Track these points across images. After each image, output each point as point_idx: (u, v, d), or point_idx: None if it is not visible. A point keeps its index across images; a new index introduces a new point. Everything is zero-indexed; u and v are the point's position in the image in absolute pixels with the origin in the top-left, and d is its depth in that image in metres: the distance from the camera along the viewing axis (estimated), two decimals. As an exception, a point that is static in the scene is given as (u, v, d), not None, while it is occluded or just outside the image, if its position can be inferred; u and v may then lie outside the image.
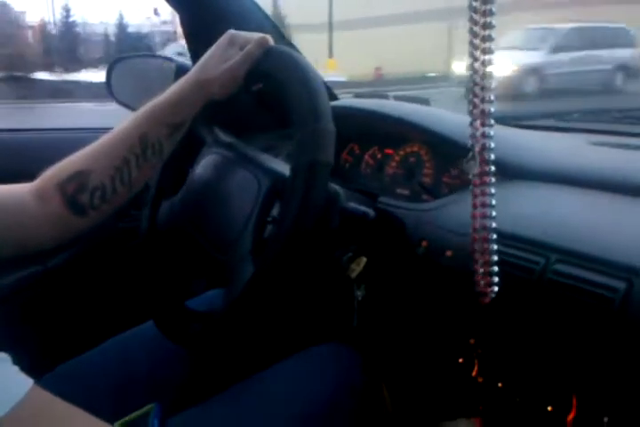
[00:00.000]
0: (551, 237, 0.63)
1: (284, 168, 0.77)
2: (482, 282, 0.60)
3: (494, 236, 0.59)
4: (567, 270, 0.59)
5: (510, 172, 0.77)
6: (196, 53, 1.13)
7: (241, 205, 0.76)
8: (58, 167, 0.73)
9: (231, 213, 0.78)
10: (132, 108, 1.11)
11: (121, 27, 36.77)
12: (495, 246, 0.59)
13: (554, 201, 0.72)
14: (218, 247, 0.78)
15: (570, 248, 0.60)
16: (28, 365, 0.45)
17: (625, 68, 10.49)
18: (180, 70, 1.08)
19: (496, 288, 0.61)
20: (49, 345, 1.04)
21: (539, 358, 0.65)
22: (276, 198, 0.75)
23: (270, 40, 0.74)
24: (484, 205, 0.58)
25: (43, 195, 0.71)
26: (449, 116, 0.98)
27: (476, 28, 0.54)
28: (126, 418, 0.69)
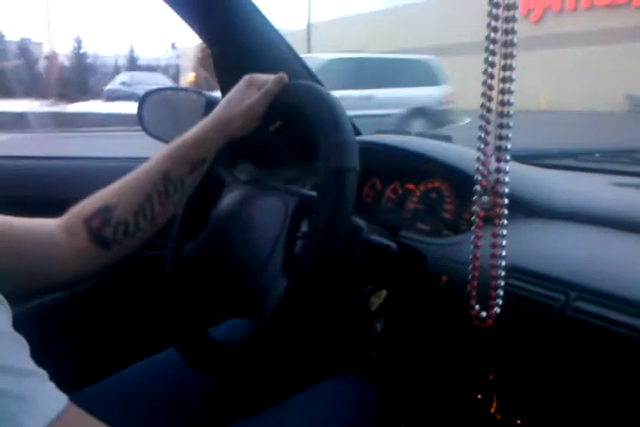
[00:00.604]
0: (571, 275, 0.63)
1: (309, 192, 0.79)
2: (477, 306, 0.63)
3: (503, 263, 0.61)
4: (587, 308, 0.59)
5: (531, 210, 0.79)
6: (225, 87, 1.16)
7: (269, 228, 0.78)
8: (85, 203, 0.76)
9: (259, 236, 0.79)
10: (163, 140, 1.15)
11: (132, 59, 37.68)
12: (503, 273, 0.61)
13: (575, 239, 0.73)
14: (246, 273, 0.79)
15: (589, 286, 0.61)
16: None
17: (424, 114, 7.76)
18: (210, 103, 1.11)
19: (498, 310, 0.62)
20: (72, 369, 1.05)
21: (557, 395, 0.64)
22: (305, 215, 0.76)
23: (286, 77, 0.78)
24: (494, 235, 0.61)
25: (70, 229, 0.74)
26: (470, 153, 0.99)
27: (493, 70, 0.57)
28: None
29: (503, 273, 0.61)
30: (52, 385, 0.44)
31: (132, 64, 36.88)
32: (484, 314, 0.63)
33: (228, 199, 0.90)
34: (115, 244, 0.75)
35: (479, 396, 0.74)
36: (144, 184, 0.76)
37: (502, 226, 0.60)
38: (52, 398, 0.43)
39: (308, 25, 17.24)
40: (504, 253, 0.61)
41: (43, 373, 0.44)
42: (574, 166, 1.09)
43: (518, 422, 0.70)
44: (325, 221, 0.63)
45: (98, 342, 1.19)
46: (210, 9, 1.09)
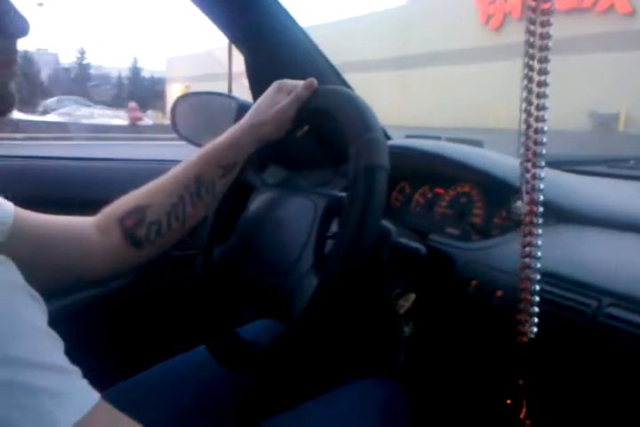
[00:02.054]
0: (604, 281, 0.63)
1: (339, 194, 0.79)
2: (525, 322, 0.61)
3: (538, 276, 0.60)
4: (619, 314, 0.59)
5: (564, 215, 0.78)
6: (256, 94, 1.18)
7: (298, 228, 0.78)
8: (119, 202, 0.79)
9: (289, 237, 0.80)
10: (196, 144, 1.17)
11: (135, 71, 38.03)
12: (537, 287, 0.60)
13: (607, 245, 0.72)
14: (276, 273, 0.80)
15: (622, 292, 0.60)
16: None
17: None
18: (242, 108, 1.12)
19: (535, 329, 0.61)
20: (104, 366, 1.06)
21: (589, 401, 0.64)
22: (334, 215, 0.76)
23: (315, 82, 0.79)
24: (529, 244, 0.60)
25: (104, 228, 0.76)
26: (501, 158, 0.99)
27: (532, 74, 0.57)
28: None
29: (538, 287, 0.60)
30: (84, 382, 0.44)
31: (135, 75, 37.14)
32: (534, 330, 0.61)
33: (258, 202, 0.91)
34: (147, 243, 0.77)
35: (508, 401, 0.73)
36: (177, 186, 0.78)
37: (537, 235, 0.59)
38: (85, 395, 0.43)
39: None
40: (539, 265, 0.60)
41: (76, 369, 0.45)
42: (607, 173, 1.08)
43: (548, 428, 0.69)
44: (356, 218, 0.62)
45: (129, 340, 1.21)
46: (243, 15, 1.11)
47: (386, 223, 0.76)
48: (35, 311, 0.45)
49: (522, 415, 0.71)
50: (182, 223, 0.79)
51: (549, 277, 0.66)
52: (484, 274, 0.76)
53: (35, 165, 1.32)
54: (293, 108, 0.79)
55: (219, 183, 0.80)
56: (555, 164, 1.00)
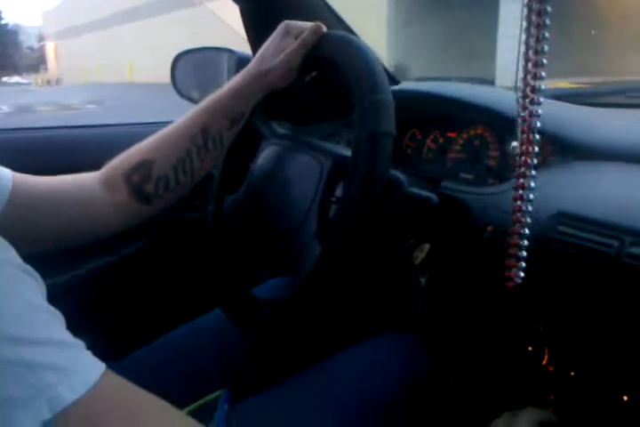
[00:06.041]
0: (624, 219, 0.59)
1: (345, 151, 0.77)
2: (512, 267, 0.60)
3: (529, 220, 0.58)
4: None
5: (580, 151, 0.74)
6: (255, 45, 1.13)
7: (304, 189, 0.77)
8: (123, 157, 0.77)
9: (295, 197, 0.79)
10: (197, 103, 1.14)
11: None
12: (528, 231, 0.58)
13: (625, 181, 0.68)
14: (283, 233, 0.79)
15: None
16: (103, 352, 0.47)
17: None
18: (242, 61, 1.09)
19: (522, 274, 0.60)
20: (122, 333, 1.08)
21: (612, 345, 0.62)
22: (340, 179, 0.75)
23: (323, 27, 0.75)
24: (522, 187, 0.57)
25: (110, 184, 0.75)
26: (513, 96, 0.94)
27: (532, 2, 0.53)
28: (195, 404, 0.72)
29: (528, 231, 0.58)
30: (88, 354, 0.44)
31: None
32: (522, 275, 0.60)
33: (266, 154, 0.89)
34: (156, 198, 0.76)
35: (530, 348, 0.72)
36: (182, 139, 0.76)
37: (531, 177, 0.56)
38: (89, 368, 0.43)
39: None
40: (530, 208, 0.57)
41: (79, 343, 0.44)
42: (625, 103, 1.02)
43: (572, 373, 0.67)
44: (358, 189, 0.62)
45: (144, 306, 1.22)
46: None
47: (397, 174, 0.74)
48: (31, 288, 0.45)
49: (544, 362, 0.69)
50: (190, 177, 0.77)
51: (567, 217, 0.63)
52: (500, 219, 0.73)
53: (18, 136, 1.29)
54: (300, 56, 0.76)
55: (226, 135, 0.78)
56: (569, 97, 0.95)
